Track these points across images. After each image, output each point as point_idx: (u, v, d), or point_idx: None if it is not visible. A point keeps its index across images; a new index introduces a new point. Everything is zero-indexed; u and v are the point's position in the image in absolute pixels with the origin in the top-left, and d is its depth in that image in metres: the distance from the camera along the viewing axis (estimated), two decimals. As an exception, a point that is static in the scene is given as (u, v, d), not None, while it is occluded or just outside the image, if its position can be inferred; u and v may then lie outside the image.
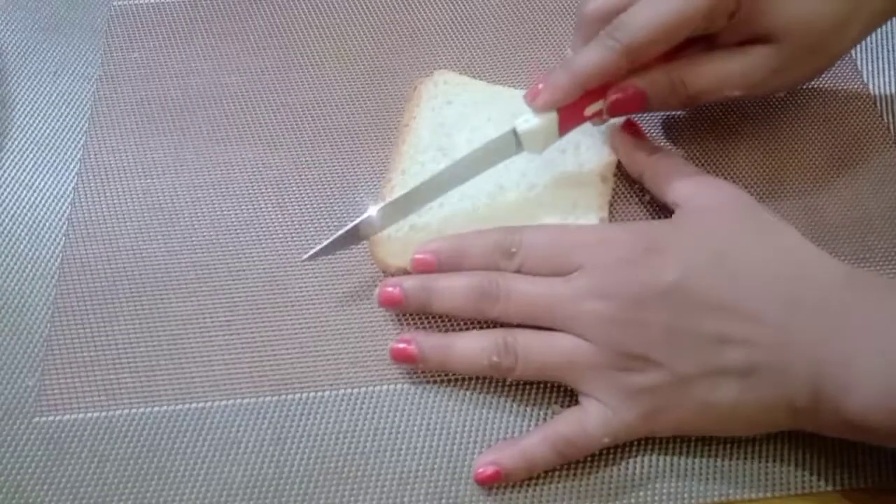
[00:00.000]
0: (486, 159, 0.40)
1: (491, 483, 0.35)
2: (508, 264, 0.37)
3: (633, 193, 0.43)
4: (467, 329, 0.39)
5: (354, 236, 0.39)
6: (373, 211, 0.39)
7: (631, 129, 0.42)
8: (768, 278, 0.34)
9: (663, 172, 0.40)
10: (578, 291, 0.35)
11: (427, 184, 0.39)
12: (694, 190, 0.38)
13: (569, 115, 0.39)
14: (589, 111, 0.39)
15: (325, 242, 0.39)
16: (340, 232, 0.39)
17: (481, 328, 0.38)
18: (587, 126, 0.42)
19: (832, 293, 0.34)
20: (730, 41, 0.39)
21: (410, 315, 0.39)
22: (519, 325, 0.36)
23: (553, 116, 0.39)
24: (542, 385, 0.37)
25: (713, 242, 0.35)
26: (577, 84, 0.38)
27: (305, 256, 0.39)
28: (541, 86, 0.38)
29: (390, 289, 0.38)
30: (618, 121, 0.43)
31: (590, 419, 0.35)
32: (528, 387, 0.38)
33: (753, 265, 0.35)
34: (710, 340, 0.33)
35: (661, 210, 0.41)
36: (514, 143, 0.39)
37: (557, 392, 0.37)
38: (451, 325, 0.39)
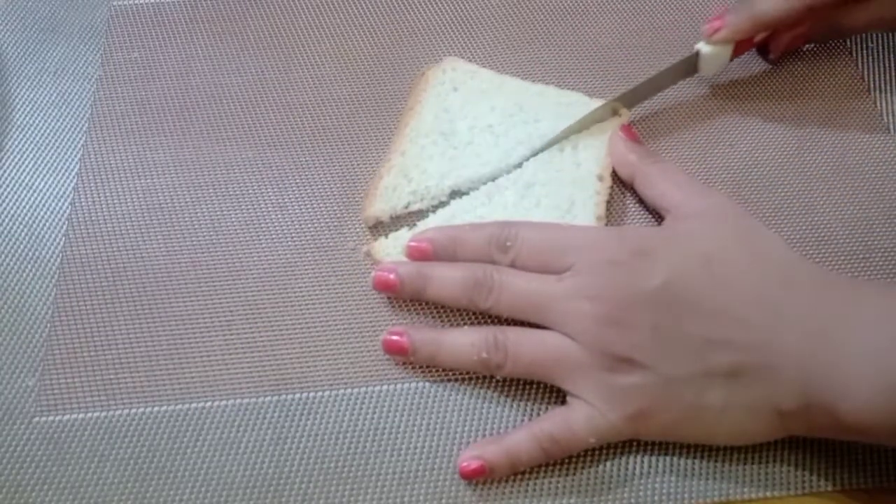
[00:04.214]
0: (665, 80, 0.45)
1: (475, 477, 0.35)
2: (503, 257, 0.37)
3: (631, 193, 0.43)
4: (459, 325, 0.39)
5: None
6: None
7: (626, 132, 0.43)
8: (754, 283, 0.34)
9: (654, 178, 0.41)
10: (568, 291, 0.35)
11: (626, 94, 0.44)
12: (683, 198, 0.39)
13: (741, 44, 0.45)
14: (758, 38, 0.46)
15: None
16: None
17: (472, 324, 0.38)
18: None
19: (816, 298, 0.34)
20: None
21: (407, 311, 0.39)
22: (509, 322, 0.37)
23: (729, 45, 0.45)
24: (544, 386, 0.37)
25: (700, 248, 0.36)
26: (756, 27, 0.44)
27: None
28: (719, 23, 0.44)
29: (385, 273, 0.38)
30: (620, 121, 0.44)
31: (576, 419, 0.35)
32: (529, 388, 0.38)
33: (739, 270, 0.35)
34: (696, 343, 0.34)
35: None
36: (693, 64, 0.45)
37: (559, 394, 0.37)
38: (444, 319, 0.39)
